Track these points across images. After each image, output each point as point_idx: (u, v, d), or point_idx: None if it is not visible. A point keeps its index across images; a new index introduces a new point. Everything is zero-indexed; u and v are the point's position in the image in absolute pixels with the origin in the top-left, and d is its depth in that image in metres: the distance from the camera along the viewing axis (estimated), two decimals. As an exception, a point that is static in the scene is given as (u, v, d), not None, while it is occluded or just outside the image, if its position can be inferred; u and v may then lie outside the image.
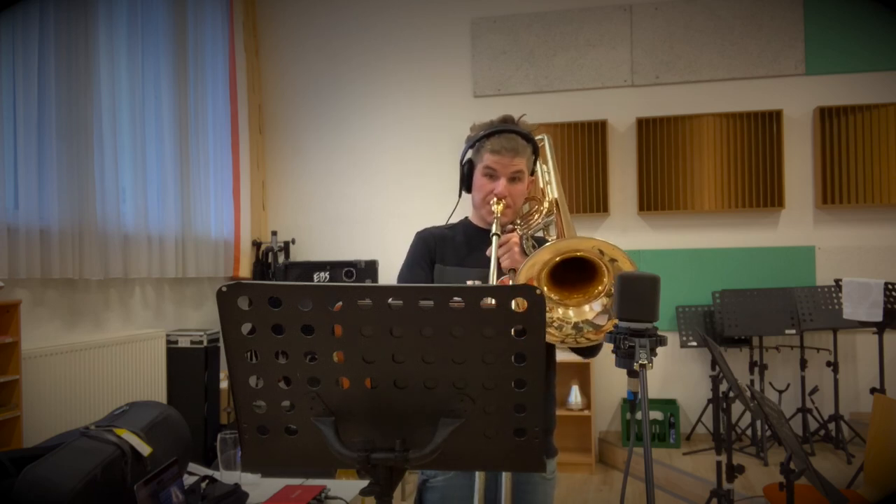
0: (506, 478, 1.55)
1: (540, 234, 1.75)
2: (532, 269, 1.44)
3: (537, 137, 1.85)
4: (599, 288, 1.46)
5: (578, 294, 1.48)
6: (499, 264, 1.60)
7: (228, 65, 5.05)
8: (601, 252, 1.41)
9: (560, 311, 1.47)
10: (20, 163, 3.28)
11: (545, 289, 1.45)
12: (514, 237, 1.64)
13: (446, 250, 1.80)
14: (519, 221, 1.77)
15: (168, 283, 4.48)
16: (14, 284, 3.23)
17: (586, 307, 1.47)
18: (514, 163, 1.71)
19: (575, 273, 1.47)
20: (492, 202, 1.70)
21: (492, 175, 1.72)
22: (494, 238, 1.61)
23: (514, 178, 1.72)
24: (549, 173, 1.82)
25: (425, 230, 1.86)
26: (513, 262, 1.61)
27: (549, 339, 1.46)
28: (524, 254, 1.63)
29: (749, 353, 4.68)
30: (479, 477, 1.52)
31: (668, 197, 4.95)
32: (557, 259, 1.44)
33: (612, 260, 1.41)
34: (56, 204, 3.41)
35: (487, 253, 1.61)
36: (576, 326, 1.48)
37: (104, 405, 3.49)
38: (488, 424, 1.07)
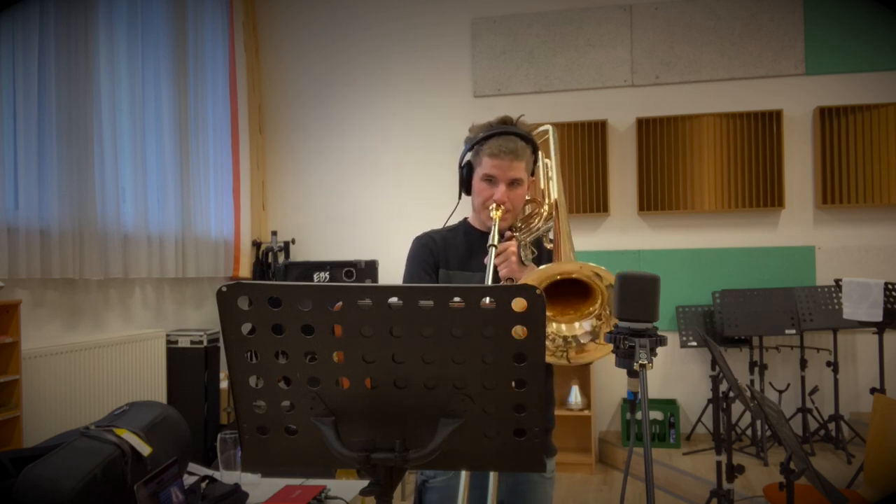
0: (493, 477, 1.55)
1: (540, 237, 1.75)
2: None
3: (541, 129, 1.84)
4: (592, 308, 1.48)
5: (571, 311, 1.50)
6: (496, 273, 1.59)
7: (228, 65, 5.05)
8: (598, 276, 1.42)
9: (553, 325, 1.49)
10: (20, 163, 3.28)
11: None
12: (512, 246, 1.63)
13: (449, 254, 1.79)
14: (520, 224, 1.76)
15: (168, 283, 4.47)
16: (14, 284, 3.23)
17: (577, 324, 1.49)
18: (514, 167, 1.70)
19: (571, 290, 1.48)
20: (491, 208, 1.69)
21: (491, 181, 1.72)
22: (492, 249, 1.60)
23: (513, 183, 1.71)
24: (551, 168, 1.81)
25: (424, 234, 1.84)
26: (510, 271, 1.60)
27: None
28: (521, 263, 1.62)
29: (749, 353, 4.68)
30: (464, 476, 1.52)
31: (668, 197, 4.95)
32: (557, 277, 1.45)
33: (610, 286, 1.41)
34: (56, 204, 3.41)
35: (485, 261, 1.60)
36: (565, 340, 1.49)
37: (104, 405, 3.49)
38: (488, 424, 1.07)
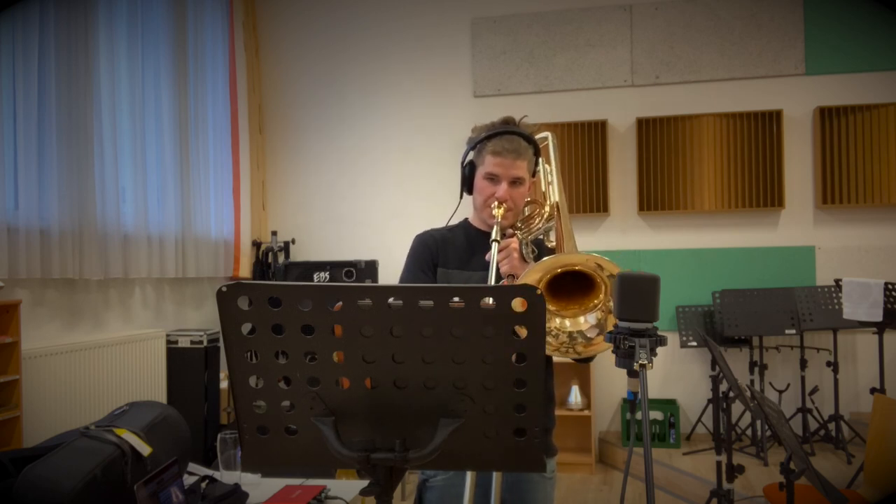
0: (496, 477, 1.55)
1: (541, 237, 1.75)
2: (529, 280, 1.44)
3: (541, 135, 1.85)
4: (595, 301, 1.47)
5: (575, 305, 1.49)
6: (498, 269, 1.60)
7: (228, 65, 5.05)
8: (599, 267, 1.41)
9: (557, 320, 1.48)
10: (20, 163, 3.28)
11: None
12: (514, 243, 1.64)
13: (448, 253, 1.80)
14: (520, 225, 1.77)
15: (168, 283, 4.47)
16: (14, 284, 3.23)
17: (581, 318, 1.48)
18: (516, 165, 1.71)
19: (573, 284, 1.47)
20: (493, 206, 1.70)
21: (493, 179, 1.72)
22: (494, 244, 1.61)
23: (515, 182, 1.72)
24: (551, 174, 1.82)
25: (425, 233, 1.85)
26: (512, 267, 1.61)
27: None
28: (523, 259, 1.63)
29: (749, 353, 4.68)
30: (469, 476, 1.52)
31: (668, 197, 4.95)
32: (558, 270, 1.44)
33: (611, 276, 1.41)
34: (56, 204, 3.41)
35: (487, 258, 1.61)
36: (570, 336, 1.48)
37: (104, 405, 3.49)
38: (488, 424, 1.07)
